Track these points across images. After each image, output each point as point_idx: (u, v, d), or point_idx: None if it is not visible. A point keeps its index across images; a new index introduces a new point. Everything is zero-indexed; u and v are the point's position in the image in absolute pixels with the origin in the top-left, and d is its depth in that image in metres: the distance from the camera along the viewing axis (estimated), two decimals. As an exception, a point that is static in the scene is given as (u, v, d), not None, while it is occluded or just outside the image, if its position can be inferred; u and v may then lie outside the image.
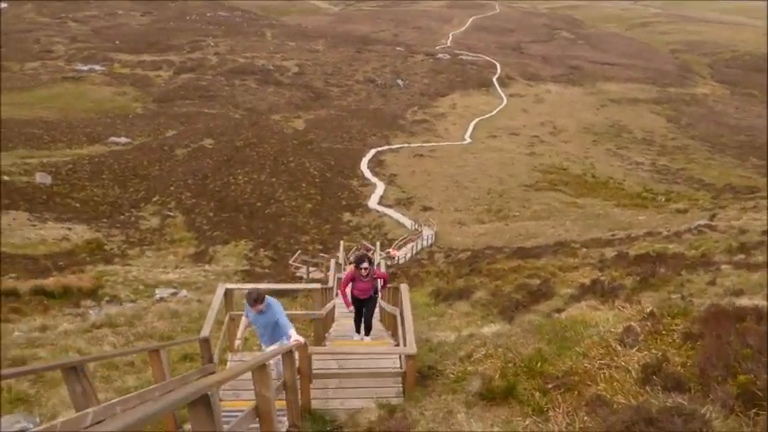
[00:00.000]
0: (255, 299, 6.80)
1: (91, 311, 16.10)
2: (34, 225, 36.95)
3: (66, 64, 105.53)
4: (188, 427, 5.61)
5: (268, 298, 6.97)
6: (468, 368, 6.32)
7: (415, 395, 6.25)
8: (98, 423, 3.94)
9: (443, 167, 61.63)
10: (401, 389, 6.82)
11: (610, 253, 19.13)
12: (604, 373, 5.20)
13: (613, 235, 29.51)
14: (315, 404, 6.56)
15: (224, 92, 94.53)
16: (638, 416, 3.89)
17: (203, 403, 2.83)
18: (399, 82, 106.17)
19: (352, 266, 10.03)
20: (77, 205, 45.46)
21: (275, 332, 7.02)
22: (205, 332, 7.35)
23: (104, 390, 7.97)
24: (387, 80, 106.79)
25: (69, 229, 37.70)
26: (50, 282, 19.79)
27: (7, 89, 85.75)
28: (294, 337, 6.47)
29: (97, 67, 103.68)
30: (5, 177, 46.23)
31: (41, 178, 48.80)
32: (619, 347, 5.58)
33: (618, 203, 48.62)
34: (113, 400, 4.67)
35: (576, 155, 70.66)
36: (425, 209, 48.99)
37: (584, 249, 22.09)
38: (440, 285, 17.68)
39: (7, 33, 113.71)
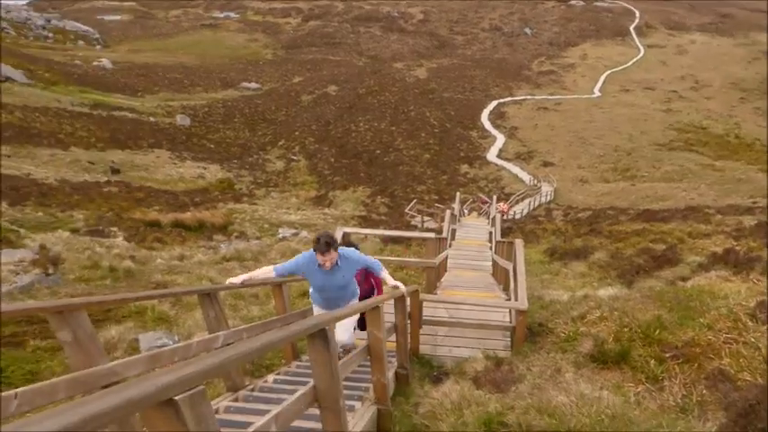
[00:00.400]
0: (328, 242, 4.75)
1: (221, 245, 17.40)
2: (175, 163, 40.12)
3: (205, 11, 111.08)
4: (305, 357, 6.03)
5: (344, 248, 5.12)
6: (581, 329, 6.20)
7: (523, 350, 6.26)
8: (228, 345, 4.36)
9: (568, 122, 58.90)
10: (509, 343, 6.85)
11: (749, 221, 17.58)
12: (730, 348, 4.90)
13: (754, 202, 26.98)
14: (423, 349, 6.76)
15: (349, 39, 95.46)
16: (765, 396, 3.67)
17: (321, 336, 3.04)
18: (527, 30, 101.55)
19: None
20: (212, 146, 48.63)
21: (345, 293, 5.25)
22: (323, 272, 7.73)
23: (232, 317, 8.69)
24: (514, 28, 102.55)
25: (204, 168, 40.55)
26: (187, 216, 21.56)
27: (154, 35, 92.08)
28: (390, 281, 5.29)
29: (232, 15, 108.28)
30: (151, 119, 50.23)
31: (181, 120, 52.56)
32: (750, 322, 5.22)
33: (763, 168, 44.18)
34: (240, 327, 5.11)
35: (719, 113, 64.58)
36: (546, 164, 47.37)
37: (720, 216, 20.45)
38: (556, 243, 17.22)
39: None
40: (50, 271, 9.33)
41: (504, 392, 4.86)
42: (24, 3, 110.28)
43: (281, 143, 51.30)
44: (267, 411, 3.91)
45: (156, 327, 8.07)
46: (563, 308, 7.33)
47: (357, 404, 4.50)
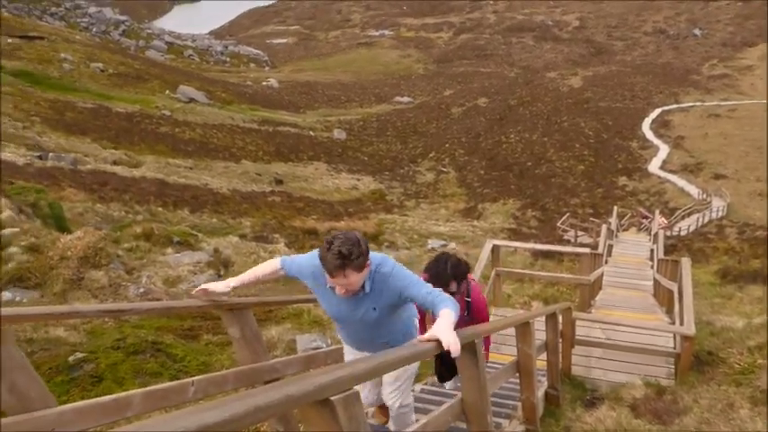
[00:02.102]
0: (345, 256, 2.72)
1: (372, 254, 17.98)
2: (331, 175, 42.30)
3: (361, 30, 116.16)
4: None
5: (378, 258, 2.97)
6: (759, 360, 5.54)
7: (688, 380, 5.73)
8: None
9: (744, 129, 53.15)
10: (672, 370, 6.30)
11: None
12: None
13: None
14: (575, 370, 6.45)
15: (500, 50, 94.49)
16: None
17: (469, 349, 3.03)
18: (696, 32, 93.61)
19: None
20: (365, 158, 50.58)
21: (380, 335, 3.20)
22: (471, 285, 7.69)
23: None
24: (680, 30, 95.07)
25: (358, 179, 42.26)
26: (342, 225, 22.59)
27: (314, 56, 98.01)
28: (441, 330, 2.51)
29: (387, 33, 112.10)
30: (311, 133, 53.46)
31: (338, 134, 55.35)
32: None
33: None
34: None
35: None
36: (717, 177, 43.10)
37: None
38: (729, 264, 15.59)
39: (316, 6, 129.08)
40: (222, 272, 10.26)
41: (667, 424, 4.48)
42: (206, 33, 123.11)
43: (431, 155, 51.97)
44: (417, 420, 3.96)
45: (312, 329, 8.53)
46: (737, 336, 6.61)
47: (504, 422, 4.41)
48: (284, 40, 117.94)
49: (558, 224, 27.27)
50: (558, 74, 79.87)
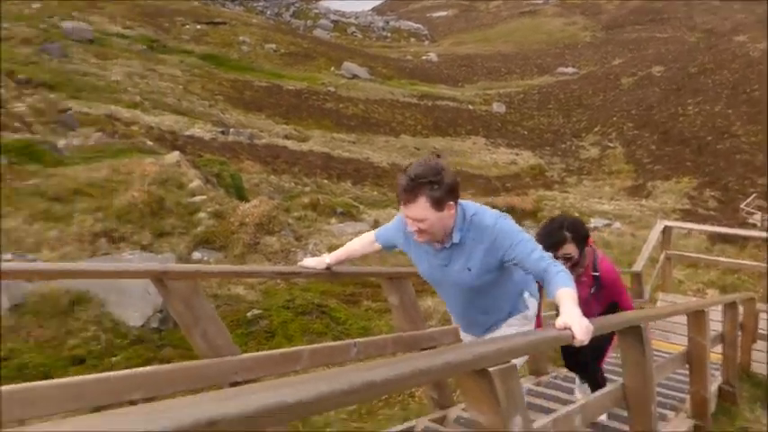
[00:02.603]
0: (412, 180, 2.32)
1: (529, 231, 17.55)
2: (489, 149, 41.74)
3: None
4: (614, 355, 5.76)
5: (477, 207, 2.58)
6: None
7: None
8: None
9: None
10: None
11: None
12: None
13: None
14: (756, 367, 5.85)
15: (679, 12, 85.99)
16: None
17: (634, 334, 2.88)
18: None
19: None
20: (525, 132, 49.13)
21: (486, 303, 2.75)
22: (638, 266, 7.25)
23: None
24: None
25: (517, 154, 41.26)
26: (499, 200, 22.29)
27: (475, 27, 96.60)
28: (567, 312, 2.17)
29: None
30: (469, 107, 53.04)
31: (497, 107, 54.30)
32: None
33: None
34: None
35: None
36: None
37: None
38: None
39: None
40: (380, 243, 10.66)
41: None
42: (369, 9, 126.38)
43: (596, 129, 49.09)
44: (567, 401, 3.86)
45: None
46: None
47: (670, 414, 4.14)
48: (444, 13, 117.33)
49: (742, 206, 24.53)
50: (747, 37, 70.79)
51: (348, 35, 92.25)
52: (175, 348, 6.13)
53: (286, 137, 28.71)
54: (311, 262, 3.08)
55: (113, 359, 5.71)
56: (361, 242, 3.06)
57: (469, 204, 2.55)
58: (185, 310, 2.37)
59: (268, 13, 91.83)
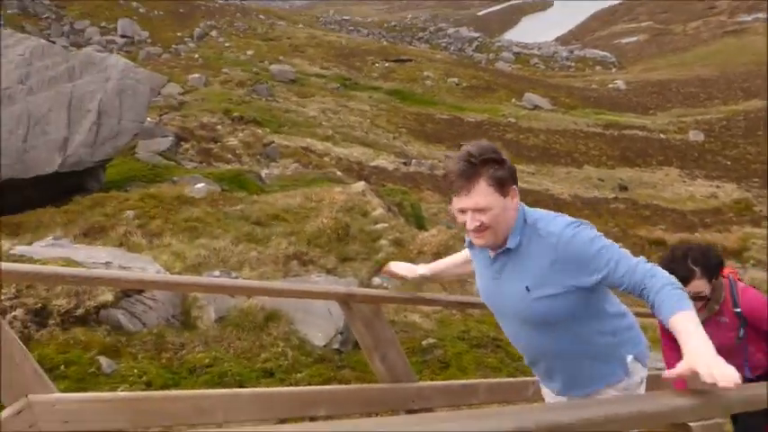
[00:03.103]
0: (466, 160, 1.90)
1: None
2: (684, 181, 38.26)
3: (729, 17, 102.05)
4: None
5: (542, 213, 2.07)
6: None
7: None
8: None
9: None
10: None
11: None
12: None
13: None
14: None
15: None
16: None
17: None
18: None
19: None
20: (727, 163, 44.25)
21: (554, 339, 2.06)
22: None
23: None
24: None
25: (717, 186, 37.29)
26: (695, 237, 20.24)
27: (669, 51, 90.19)
28: (694, 353, 1.59)
29: (761, 16, 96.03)
30: (661, 135, 49.26)
31: (694, 136, 49.68)
32: None
33: None
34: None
35: None
36: None
37: None
38: None
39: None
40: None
41: None
42: (552, 39, 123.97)
43: (820, 159, 42.67)
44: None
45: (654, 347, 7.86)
46: None
47: None
48: (634, 39, 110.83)
49: None
50: None
51: (530, 66, 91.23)
52: (353, 370, 6.38)
53: (465, 168, 28.99)
54: (401, 268, 2.61)
55: (298, 375, 6.10)
56: (458, 257, 2.56)
57: (534, 210, 2.05)
58: (367, 332, 2.47)
59: (452, 48, 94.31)
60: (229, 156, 17.04)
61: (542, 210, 2.08)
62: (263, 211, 10.37)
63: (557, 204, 24.22)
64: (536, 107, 52.95)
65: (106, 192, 11.00)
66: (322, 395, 2.41)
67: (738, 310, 2.77)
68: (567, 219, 2.02)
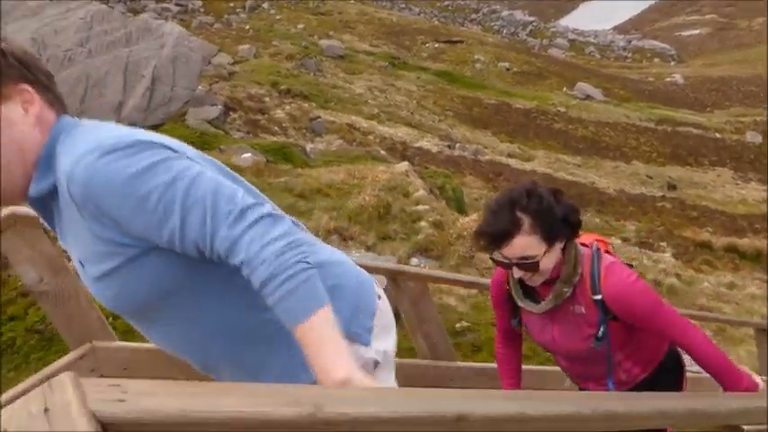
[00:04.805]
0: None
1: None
2: (737, 183, 36.98)
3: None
4: None
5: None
6: None
7: None
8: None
9: None
10: None
11: None
12: None
13: None
14: None
15: None
16: None
17: None
18: None
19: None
20: (787, 168, 42.58)
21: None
22: None
23: None
24: None
25: (772, 192, 35.95)
26: (745, 242, 19.61)
27: (733, 47, 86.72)
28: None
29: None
30: (716, 135, 47.62)
31: (751, 137, 47.83)
32: None
33: None
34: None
35: None
36: None
37: None
38: None
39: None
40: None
41: None
42: (610, 28, 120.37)
43: None
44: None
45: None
46: None
47: None
48: (696, 32, 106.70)
49: None
50: None
51: (585, 55, 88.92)
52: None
53: (509, 155, 28.62)
54: None
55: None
56: None
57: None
58: (412, 309, 2.49)
59: (504, 32, 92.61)
60: (276, 128, 17.20)
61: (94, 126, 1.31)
62: (306, 184, 10.48)
63: (601, 199, 23.74)
64: (588, 97, 51.73)
65: (156, 156, 11.27)
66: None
67: (599, 297, 1.84)
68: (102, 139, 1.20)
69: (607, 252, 2.01)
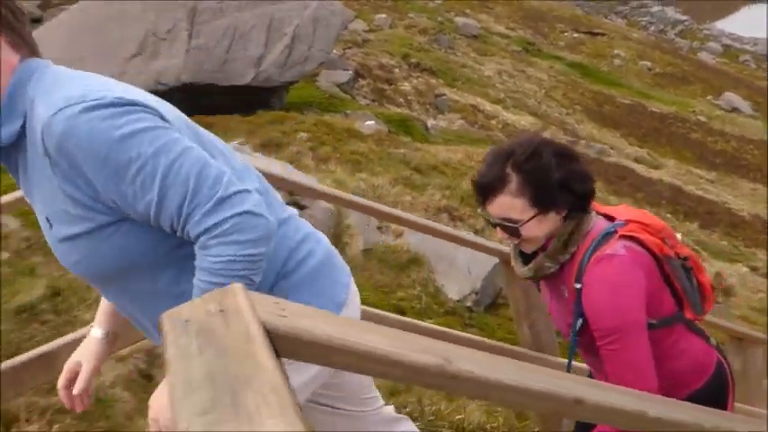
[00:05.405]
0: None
1: None
2: None
3: None
4: None
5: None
6: None
7: None
8: None
9: None
10: None
11: None
12: None
13: None
14: None
15: None
16: None
17: None
18: None
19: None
20: None
21: None
22: None
23: None
24: None
25: None
26: None
27: None
28: None
29: None
30: None
31: None
32: None
33: None
34: None
35: None
36: None
37: None
38: None
39: None
40: (719, 299, 9.38)
41: None
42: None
43: None
44: None
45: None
46: None
47: None
48: None
49: None
50: None
51: (738, 63, 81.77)
52: (481, 330, 6.44)
53: (636, 160, 27.13)
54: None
55: (428, 320, 6.30)
56: None
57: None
58: (522, 297, 2.48)
59: (651, 29, 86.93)
60: (401, 99, 17.35)
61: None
62: (423, 159, 10.53)
63: (732, 221, 22.02)
64: (734, 109, 47.66)
65: (286, 111, 11.77)
66: (460, 341, 2.48)
67: (579, 285, 1.61)
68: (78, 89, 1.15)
69: (625, 236, 1.62)
